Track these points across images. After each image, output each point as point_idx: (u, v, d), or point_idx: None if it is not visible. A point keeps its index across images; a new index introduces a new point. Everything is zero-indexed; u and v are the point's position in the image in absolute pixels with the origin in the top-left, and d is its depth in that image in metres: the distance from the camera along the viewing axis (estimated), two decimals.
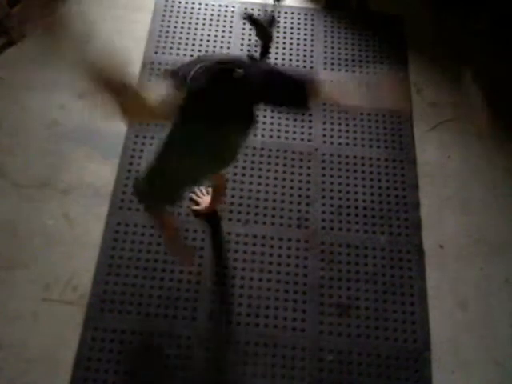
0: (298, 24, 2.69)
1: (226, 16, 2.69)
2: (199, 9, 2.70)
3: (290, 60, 2.57)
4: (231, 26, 2.65)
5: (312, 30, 2.68)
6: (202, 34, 2.62)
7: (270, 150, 2.34)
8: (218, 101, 1.37)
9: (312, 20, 2.71)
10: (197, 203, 2.18)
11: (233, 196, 2.22)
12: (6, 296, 1.98)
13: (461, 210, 2.26)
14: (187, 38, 2.61)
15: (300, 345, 1.96)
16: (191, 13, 2.69)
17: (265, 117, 2.41)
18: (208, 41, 2.60)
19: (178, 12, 2.68)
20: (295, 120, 2.40)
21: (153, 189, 1.60)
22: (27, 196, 2.17)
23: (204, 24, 2.66)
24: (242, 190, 2.24)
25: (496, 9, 2.76)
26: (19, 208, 2.14)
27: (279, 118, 2.41)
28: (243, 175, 2.27)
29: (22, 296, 1.98)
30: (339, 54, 2.62)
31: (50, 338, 1.91)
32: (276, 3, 2.51)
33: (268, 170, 2.29)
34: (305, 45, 2.63)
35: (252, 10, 2.70)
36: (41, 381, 1.85)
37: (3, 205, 2.15)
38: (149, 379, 1.88)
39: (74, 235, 2.11)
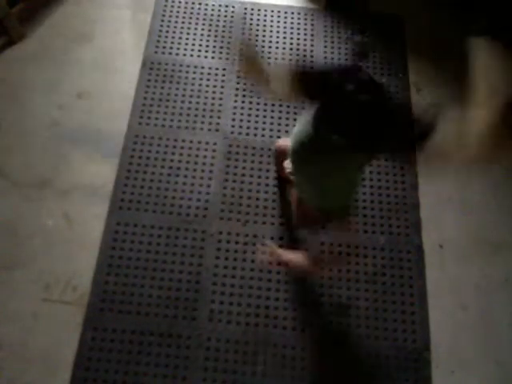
0: (298, 24, 2.69)
1: (225, 16, 2.69)
2: (199, 9, 2.70)
3: (290, 60, 2.57)
4: (231, 26, 2.65)
5: (312, 29, 2.68)
6: (201, 34, 2.62)
7: (270, 150, 2.34)
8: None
9: (312, 20, 2.71)
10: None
11: (233, 196, 2.22)
12: (5, 296, 1.98)
13: (461, 210, 2.26)
14: (187, 38, 2.61)
15: (300, 344, 1.96)
16: (191, 13, 2.69)
17: (264, 117, 2.41)
18: (208, 41, 2.60)
19: (178, 12, 2.68)
20: (295, 120, 2.41)
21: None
22: (27, 196, 2.17)
23: (204, 24, 2.66)
24: (241, 189, 2.24)
25: (495, 9, 2.75)
26: (19, 208, 2.14)
27: (279, 118, 2.41)
28: (243, 175, 2.27)
29: (22, 296, 1.98)
30: (339, 53, 2.62)
31: (49, 337, 1.92)
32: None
33: (268, 170, 2.29)
34: (305, 45, 2.63)
35: (252, 9, 2.70)
36: (41, 381, 1.85)
37: (3, 205, 2.15)
38: (149, 379, 1.88)
39: (74, 235, 2.11)
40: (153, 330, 1.95)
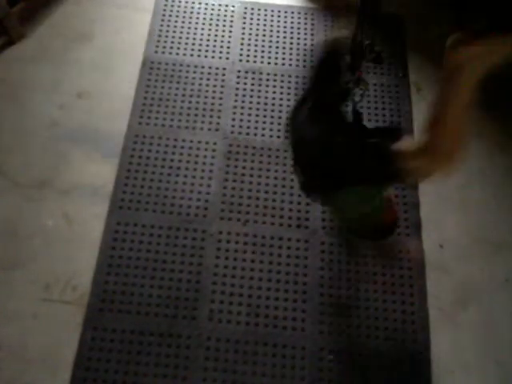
0: (298, 24, 2.69)
1: (225, 16, 2.68)
2: (199, 9, 2.70)
3: (290, 60, 2.58)
4: (231, 26, 2.65)
5: (312, 29, 2.68)
6: (201, 34, 2.62)
7: (270, 150, 2.34)
8: None
9: (312, 20, 2.71)
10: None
11: (233, 196, 2.22)
12: (5, 296, 1.98)
13: (461, 210, 2.26)
14: (187, 38, 2.61)
15: (300, 344, 1.96)
16: (191, 13, 2.69)
17: (265, 116, 2.41)
18: (208, 40, 2.60)
19: (178, 12, 2.68)
20: None
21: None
22: (27, 196, 2.17)
23: (204, 24, 2.66)
24: (241, 189, 2.24)
25: (495, 9, 2.75)
26: (19, 208, 2.14)
27: (279, 117, 2.41)
28: (243, 175, 2.27)
29: (22, 296, 1.98)
30: None
31: (49, 338, 1.91)
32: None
33: (268, 170, 2.29)
34: (305, 44, 2.63)
35: (252, 9, 2.70)
36: (41, 381, 1.85)
37: (3, 205, 2.15)
38: (149, 379, 1.88)
39: (74, 235, 2.11)
40: (153, 330, 1.95)
